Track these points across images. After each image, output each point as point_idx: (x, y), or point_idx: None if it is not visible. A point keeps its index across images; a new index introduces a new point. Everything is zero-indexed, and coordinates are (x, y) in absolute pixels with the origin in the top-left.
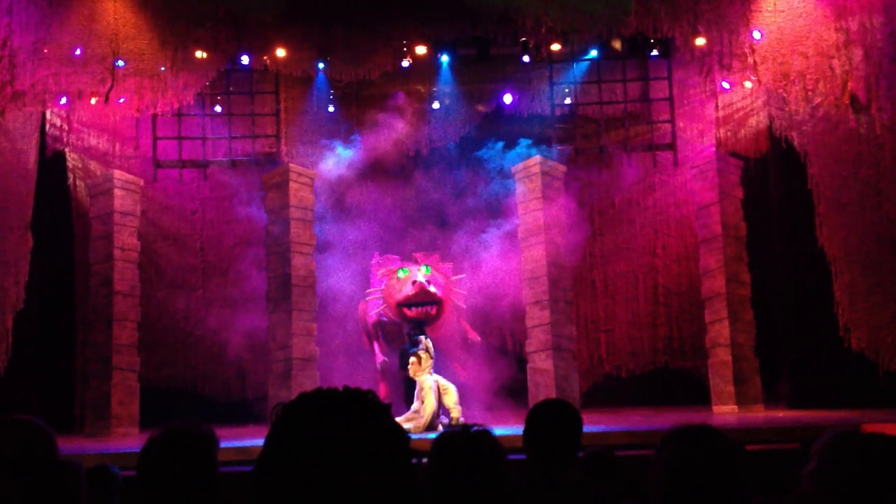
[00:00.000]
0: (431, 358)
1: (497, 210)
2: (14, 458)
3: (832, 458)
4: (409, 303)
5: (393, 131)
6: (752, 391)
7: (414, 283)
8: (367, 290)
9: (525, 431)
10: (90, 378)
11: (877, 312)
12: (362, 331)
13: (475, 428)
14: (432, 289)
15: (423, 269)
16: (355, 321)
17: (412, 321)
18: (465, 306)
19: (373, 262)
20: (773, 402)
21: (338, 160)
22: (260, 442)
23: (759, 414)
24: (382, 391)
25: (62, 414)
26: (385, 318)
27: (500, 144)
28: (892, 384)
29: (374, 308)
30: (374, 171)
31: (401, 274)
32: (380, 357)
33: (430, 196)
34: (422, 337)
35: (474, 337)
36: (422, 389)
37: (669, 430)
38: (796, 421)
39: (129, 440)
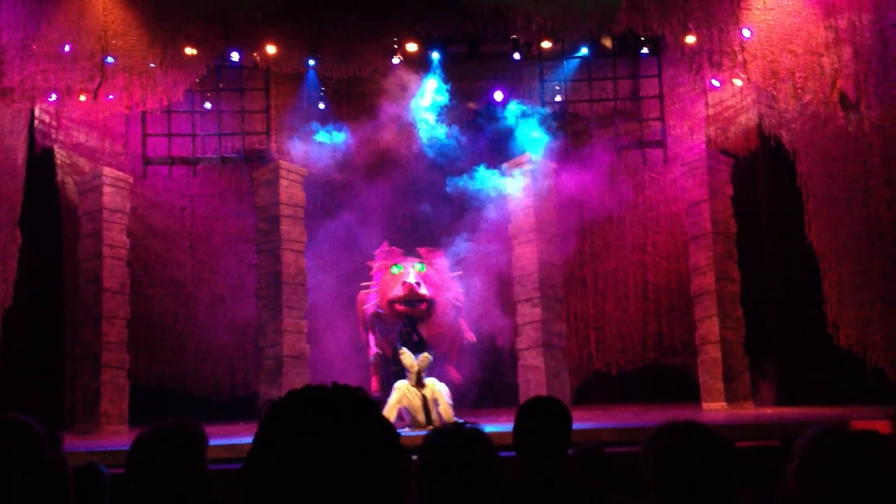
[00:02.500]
0: (414, 371)
1: (488, 207)
2: (4, 455)
3: (815, 455)
4: (398, 301)
5: (384, 128)
6: (742, 388)
7: (403, 283)
8: (363, 283)
9: (515, 429)
10: (79, 376)
11: (865, 309)
12: (359, 321)
13: (467, 425)
14: (423, 290)
15: (417, 266)
16: (345, 316)
17: (402, 315)
18: (461, 304)
19: (376, 252)
20: (762, 399)
21: (328, 156)
22: (250, 439)
23: (749, 411)
24: (374, 384)
25: (51, 412)
26: (381, 311)
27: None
28: (880, 381)
29: (371, 300)
30: (364, 166)
31: (395, 270)
32: (373, 349)
33: (421, 192)
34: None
35: (470, 337)
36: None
37: (656, 426)
38: (785, 418)
39: (118, 438)
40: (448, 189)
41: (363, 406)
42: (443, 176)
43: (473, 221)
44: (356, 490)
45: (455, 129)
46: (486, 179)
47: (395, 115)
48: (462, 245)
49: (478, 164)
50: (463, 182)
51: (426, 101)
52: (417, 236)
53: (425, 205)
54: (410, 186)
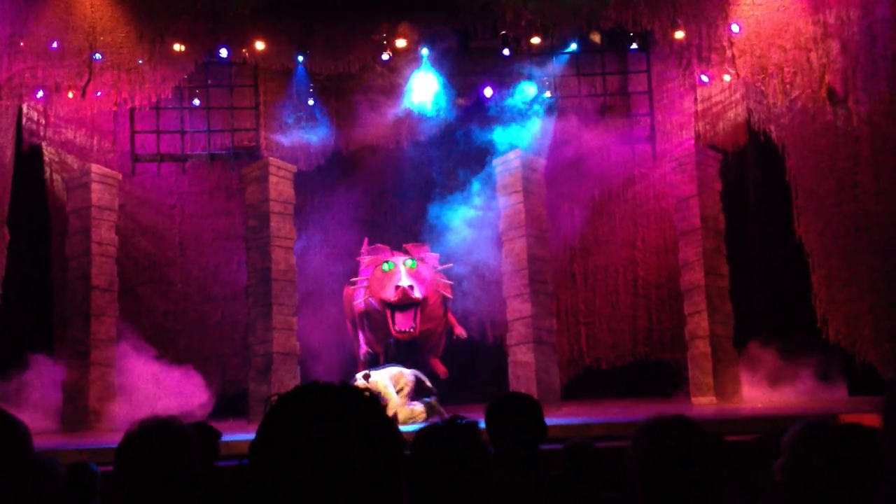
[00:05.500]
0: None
1: (478, 202)
2: None
3: (802, 450)
4: (391, 306)
5: (373, 124)
6: (731, 382)
7: (397, 288)
8: (352, 279)
9: (487, 429)
10: (68, 373)
11: (854, 304)
12: (347, 317)
13: (460, 420)
14: (416, 293)
15: (408, 262)
16: (336, 313)
17: (397, 340)
18: (450, 298)
19: (362, 248)
20: (751, 394)
21: (318, 153)
22: (239, 437)
23: (738, 405)
24: None
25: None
26: (370, 308)
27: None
28: (868, 375)
29: (360, 296)
30: (354, 163)
31: (385, 267)
32: (363, 348)
33: (410, 186)
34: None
35: (460, 332)
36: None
37: (645, 421)
38: (774, 412)
39: (107, 436)
40: (437, 184)
41: (369, 404)
42: (432, 171)
43: (463, 216)
44: (358, 484)
45: (444, 124)
46: (476, 175)
47: (385, 110)
48: (452, 240)
49: (467, 160)
50: (453, 177)
51: (415, 96)
52: (406, 232)
53: (414, 200)
54: (399, 181)
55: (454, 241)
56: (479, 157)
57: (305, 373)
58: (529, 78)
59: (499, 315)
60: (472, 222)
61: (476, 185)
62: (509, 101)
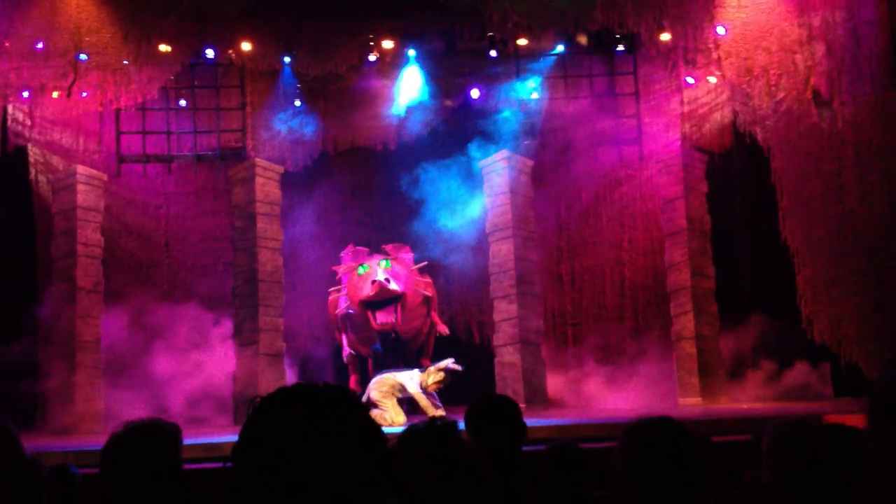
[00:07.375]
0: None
1: (465, 204)
2: None
3: (782, 449)
4: (370, 302)
5: (360, 124)
6: (717, 383)
7: (373, 282)
8: (331, 289)
9: (467, 431)
10: (53, 375)
11: (839, 305)
12: (333, 324)
13: (440, 422)
14: (392, 286)
15: (383, 263)
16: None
17: (379, 333)
18: (430, 294)
19: (342, 254)
20: (737, 394)
21: (305, 154)
22: (225, 438)
23: (724, 405)
24: (352, 383)
25: (25, 411)
26: (352, 311)
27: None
28: (853, 375)
29: (342, 303)
30: (341, 164)
31: (361, 270)
32: (347, 350)
33: (398, 189)
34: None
35: (443, 329)
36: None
37: (631, 422)
38: (760, 412)
39: (93, 437)
40: (424, 184)
41: (352, 405)
42: (419, 172)
43: (450, 216)
44: (343, 487)
45: (431, 126)
46: (463, 176)
47: (372, 111)
48: (439, 240)
49: (454, 161)
50: (440, 179)
51: (402, 97)
52: (393, 231)
53: (401, 200)
54: (386, 181)
55: (441, 241)
56: (466, 158)
57: (298, 371)
58: (516, 79)
59: (486, 316)
60: (458, 222)
61: (463, 186)
62: (496, 103)
